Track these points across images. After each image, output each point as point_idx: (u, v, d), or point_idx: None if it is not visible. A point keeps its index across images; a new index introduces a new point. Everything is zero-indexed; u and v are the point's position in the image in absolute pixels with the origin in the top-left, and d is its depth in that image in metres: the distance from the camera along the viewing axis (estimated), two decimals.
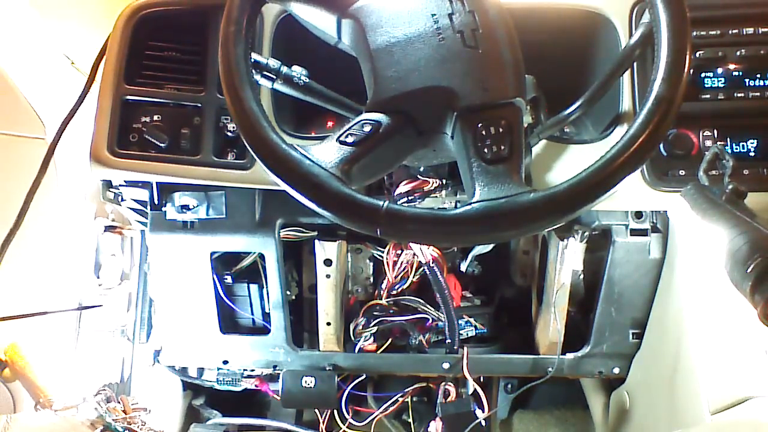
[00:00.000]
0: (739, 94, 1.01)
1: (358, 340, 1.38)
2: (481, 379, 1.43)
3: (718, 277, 0.79)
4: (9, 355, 1.31)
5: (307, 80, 0.97)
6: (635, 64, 1.00)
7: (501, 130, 0.76)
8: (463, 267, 1.37)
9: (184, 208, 1.19)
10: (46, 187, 1.15)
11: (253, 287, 1.39)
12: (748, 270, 0.71)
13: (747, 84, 1.01)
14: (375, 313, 1.37)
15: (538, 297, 1.41)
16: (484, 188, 0.72)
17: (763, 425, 0.91)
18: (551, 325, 1.32)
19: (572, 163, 1.03)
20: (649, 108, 0.73)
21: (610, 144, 0.73)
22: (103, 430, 1.14)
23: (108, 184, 1.16)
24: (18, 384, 1.32)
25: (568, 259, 1.26)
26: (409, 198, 1.05)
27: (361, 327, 1.37)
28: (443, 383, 1.41)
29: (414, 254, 1.30)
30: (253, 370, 1.48)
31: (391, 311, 1.37)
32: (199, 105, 1.07)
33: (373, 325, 1.37)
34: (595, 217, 1.23)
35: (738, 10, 1.02)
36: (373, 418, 1.48)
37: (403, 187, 1.05)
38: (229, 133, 1.07)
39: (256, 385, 1.50)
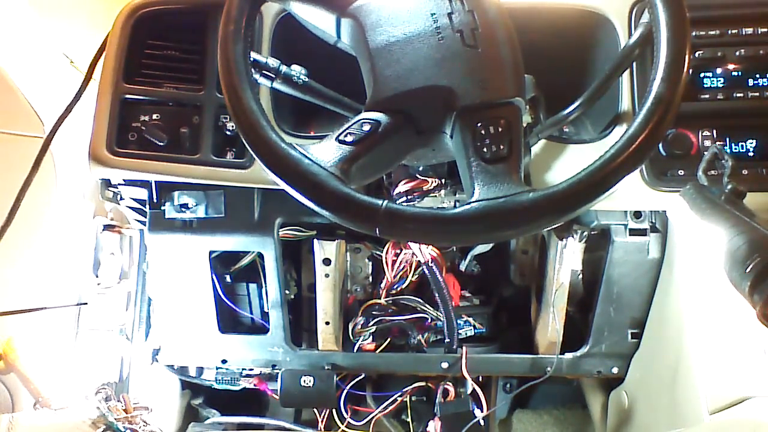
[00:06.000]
0: (738, 94, 1.01)
1: (357, 340, 1.38)
2: (480, 379, 1.43)
3: (717, 277, 0.79)
4: (4, 349, 1.31)
5: (307, 79, 0.97)
6: (634, 64, 1.00)
7: (500, 129, 0.76)
8: (462, 266, 1.37)
9: (183, 207, 1.19)
10: (45, 186, 1.15)
11: (252, 286, 1.39)
12: (747, 270, 0.71)
13: (746, 84, 1.01)
14: (374, 312, 1.37)
15: (537, 297, 1.41)
16: (483, 187, 0.72)
17: (761, 425, 0.91)
18: (550, 324, 1.32)
19: (571, 162, 1.03)
20: (648, 108, 0.73)
21: (609, 144, 0.73)
22: (105, 430, 1.14)
23: (107, 183, 1.16)
24: (16, 383, 1.32)
25: (567, 259, 1.26)
26: (408, 197, 1.05)
27: (359, 326, 1.37)
28: (442, 383, 1.41)
29: (413, 254, 1.30)
30: (251, 370, 1.48)
31: (390, 311, 1.37)
32: (198, 104, 1.07)
33: (372, 325, 1.37)
34: (594, 217, 1.23)
35: (737, 10, 1.03)
36: (372, 418, 1.48)
37: (402, 187, 1.05)
38: (228, 132, 1.07)
39: (254, 385, 1.50)
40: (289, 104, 1.12)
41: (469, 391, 1.39)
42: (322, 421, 1.50)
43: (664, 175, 1.01)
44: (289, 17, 0.96)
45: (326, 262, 1.29)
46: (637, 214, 1.24)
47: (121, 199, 1.22)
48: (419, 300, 1.37)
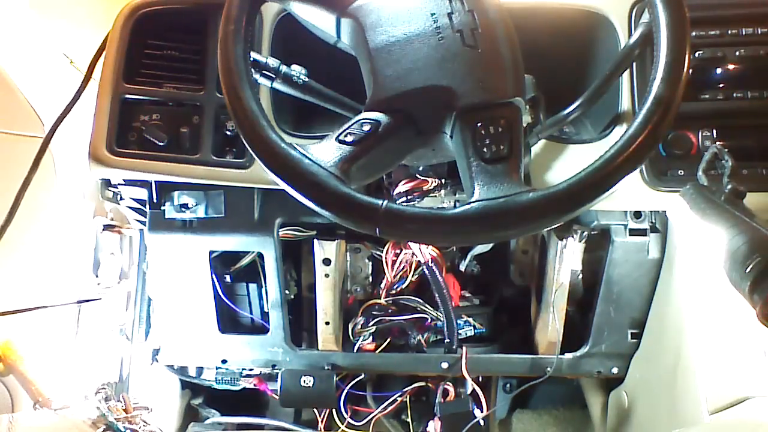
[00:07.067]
0: (738, 94, 1.01)
1: (357, 340, 1.38)
2: (480, 379, 1.43)
3: (717, 277, 0.79)
4: (3, 350, 1.31)
5: (307, 79, 0.97)
6: (634, 64, 1.00)
7: (500, 129, 0.76)
8: (462, 266, 1.37)
9: (183, 207, 1.19)
10: (45, 186, 1.14)
11: (252, 286, 1.39)
12: (747, 270, 0.71)
13: (746, 84, 1.01)
14: (374, 312, 1.37)
15: (537, 297, 1.41)
16: (483, 187, 0.72)
17: (761, 425, 0.91)
18: (550, 324, 1.32)
19: (571, 162, 1.03)
20: (648, 108, 0.73)
21: (609, 144, 0.73)
22: (105, 430, 1.14)
23: (107, 183, 1.16)
24: (16, 383, 1.32)
25: (567, 259, 1.26)
26: (408, 197, 1.05)
27: (359, 326, 1.37)
28: (442, 383, 1.41)
29: (413, 254, 1.30)
30: (251, 370, 1.48)
31: (390, 311, 1.37)
32: (198, 104, 1.07)
33: (372, 325, 1.37)
34: (594, 217, 1.23)
35: (737, 10, 1.02)
36: (372, 418, 1.48)
37: (402, 187, 1.05)
38: (228, 132, 1.07)
39: (254, 385, 1.50)
40: (289, 104, 1.12)
41: (469, 391, 1.39)
42: (322, 421, 1.50)
43: (664, 175, 1.01)
44: (289, 17, 0.96)
45: (326, 262, 1.29)
46: (637, 214, 1.24)
47: (121, 199, 1.22)
48: (419, 300, 1.37)
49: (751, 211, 0.82)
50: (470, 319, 1.43)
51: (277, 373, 1.37)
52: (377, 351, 1.40)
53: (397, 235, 0.90)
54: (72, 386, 1.41)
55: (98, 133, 1.05)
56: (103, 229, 1.51)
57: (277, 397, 1.37)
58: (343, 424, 1.46)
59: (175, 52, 1.10)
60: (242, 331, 1.40)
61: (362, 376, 1.48)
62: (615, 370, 1.36)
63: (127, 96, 1.06)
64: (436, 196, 1.06)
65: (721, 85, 1.01)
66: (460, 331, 1.39)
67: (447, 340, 1.35)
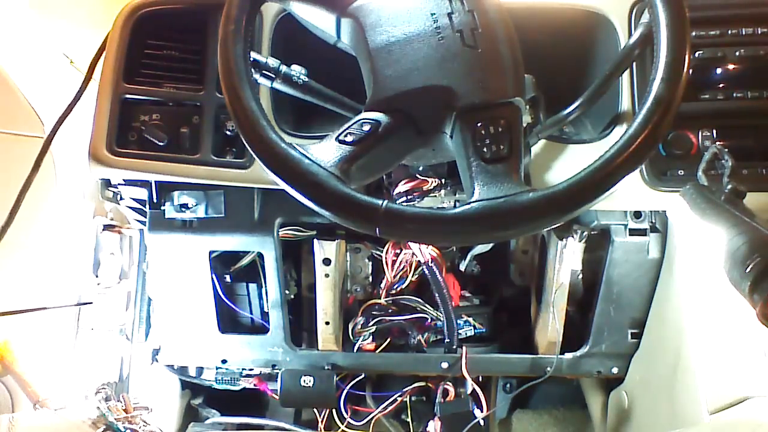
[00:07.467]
0: (738, 94, 1.01)
1: (357, 340, 1.38)
2: (480, 379, 1.43)
3: (717, 277, 0.79)
4: (0, 351, 1.31)
5: (307, 79, 0.97)
6: (634, 64, 1.00)
7: (500, 129, 0.76)
8: (462, 266, 1.37)
9: (183, 207, 1.19)
10: (45, 186, 1.14)
11: (252, 286, 1.39)
12: (747, 270, 0.71)
13: (746, 84, 1.01)
14: (374, 312, 1.37)
15: (537, 297, 1.41)
16: (483, 187, 0.72)
17: (761, 425, 0.91)
18: (550, 324, 1.32)
19: (571, 162, 1.03)
20: (648, 108, 0.73)
21: (609, 144, 0.73)
22: (105, 430, 1.14)
23: (107, 183, 1.16)
24: (15, 383, 1.32)
25: (567, 259, 1.26)
26: (408, 197, 1.05)
27: (359, 326, 1.37)
28: (442, 383, 1.41)
29: (413, 254, 1.30)
30: (251, 370, 1.48)
31: (390, 311, 1.38)
32: (198, 104, 1.07)
33: (372, 325, 1.37)
34: (594, 217, 1.23)
35: (737, 10, 1.02)
36: (372, 418, 1.48)
37: (402, 187, 1.05)
38: (228, 132, 1.07)
39: (254, 385, 1.50)
40: (289, 104, 1.12)
41: (469, 391, 1.39)
42: (322, 421, 1.50)
43: (664, 175, 1.01)
44: (289, 17, 0.96)
45: (326, 262, 1.29)
46: (637, 214, 1.24)
47: (121, 199, 1.22)
48: (419, 300, 1.37)
49: (751, 211, 0.82)
50: (470, 319, 1.43)
51: (277, 373, 1.37)
52: (377, 351, 1.40)
53: (397, 235, 0.90)
54: (71, 386, 1.41)
55: (98, 133, 1.05)
56: (103, 229, 1.52)
57: (277, 397, 1.37)
58: (343, 424, 1.46)
59: (175, 52, 1.10)
60: (242, 331, 1.40)
61: (362, 376, 1.48)
62: (615, 370, 1.36)
63: (127, 96, 1.06)
64: (436, 196, 1.06)
65: (721, 85, 1.01)
66: (460, 331, 1.39)
67: (447, 340, 1.35)
